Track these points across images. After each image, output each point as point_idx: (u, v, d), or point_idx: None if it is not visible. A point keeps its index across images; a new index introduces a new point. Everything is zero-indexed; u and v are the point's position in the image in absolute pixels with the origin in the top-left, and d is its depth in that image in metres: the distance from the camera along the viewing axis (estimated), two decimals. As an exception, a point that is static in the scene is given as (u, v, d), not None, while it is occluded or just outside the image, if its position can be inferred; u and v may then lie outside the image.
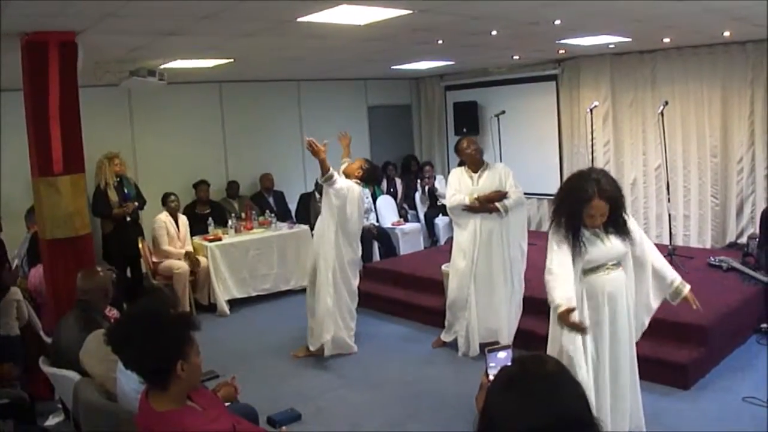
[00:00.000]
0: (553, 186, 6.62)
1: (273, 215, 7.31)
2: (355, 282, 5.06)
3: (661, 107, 6.07)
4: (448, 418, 3.91)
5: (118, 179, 6.47)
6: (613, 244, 3.04)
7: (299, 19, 4.10)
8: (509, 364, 1.39)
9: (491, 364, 1.79)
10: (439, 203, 8.03)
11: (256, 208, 7.57)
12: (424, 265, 6.45)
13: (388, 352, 5.14)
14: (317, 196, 7.26)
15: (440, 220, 8.04)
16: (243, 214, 7.21)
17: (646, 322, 3.27)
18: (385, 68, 7.92)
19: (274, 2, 3.66)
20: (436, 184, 8.36)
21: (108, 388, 2.83)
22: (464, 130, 8.65)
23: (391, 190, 8.86)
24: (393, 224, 8.17)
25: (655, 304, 3.23)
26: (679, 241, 6.99)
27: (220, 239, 6.64)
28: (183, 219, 6.68)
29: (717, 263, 5.69)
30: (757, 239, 5.66)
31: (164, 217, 6.51)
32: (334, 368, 4.84)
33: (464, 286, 4.85)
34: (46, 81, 3.92)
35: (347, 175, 4.97)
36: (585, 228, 2.99)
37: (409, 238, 8.06)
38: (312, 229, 5.29)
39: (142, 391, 2.18)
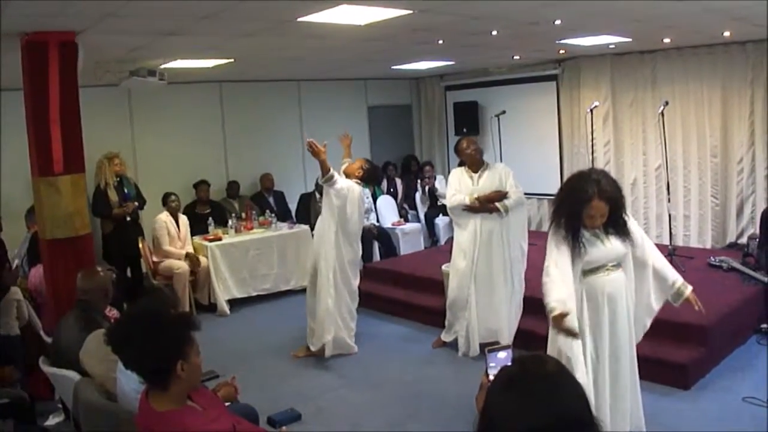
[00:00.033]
0: (553, 186, 6.63)
1: (273, 215, 7.31)
2: (356, 282, 5.06)
3: (662, 107, 6.07)
4: (448, 418, 3.91)
5: (118, 179, 6.47)
6: (613, 245, 3.03)
7: (299, 19, 4.10)
8: (509, 364, 1.39)
9: (491, 364, 1.79)
10: (439, 203, 8.03)
11: (257, 208, 7.57)
12: (425, 265, 6.45)
13: (388, 352, 5.14)
14: (317, 196, 7.26)
15: (440, 220, 8.04)
16: (243, 214, 7.21)
17: (648, 324, 3.26)
18: (385, 68, 7.92)
19: (274, 2, 3.66)
20: (437, 184, 8.36)
21: (108, 388, 2.83)
22: (464, 130, 8.65)
23: (392, 190, 8.86)
24: (393, 224, 8.18)
25: (656, 305, 3.22)
26: (680, 242, 6.99)
27: (220, 239, 6.64)
28: (183, 219, 6.68)
29: (717, 263, 5.69)
30: (757, 239, 5.66)
31: (165, 217, 6.51)
32: (334, 368, 4.84)
33: (464, 286, 4.85)
34: (46, 81, 3.92)
35: (347, 175, 4.97)
36: (585, 229, 2.99)
37: (410, 238, 8.06)
38: (312, 229, 5.29)
39: (142, 391, 2.18)
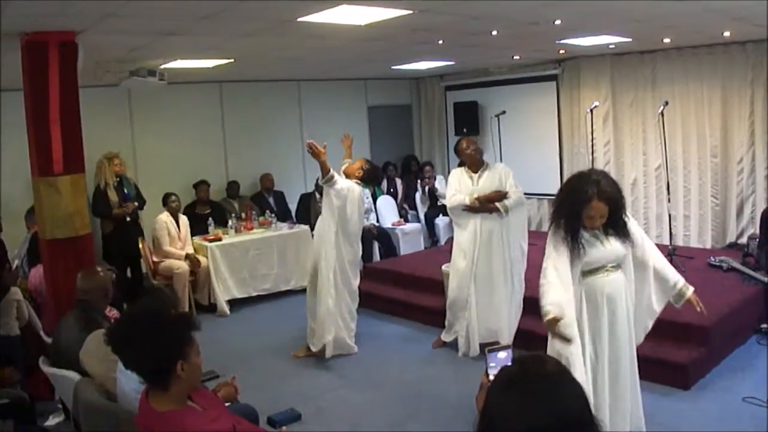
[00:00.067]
0: (553, 186, 6.63)
1: (273, 215, 7.31)
2: (356, 282, 5.06)
3: (662, 107, 6.07)
4: (448, 418, 3.91)
5: (118, 179, 6.47)
6: (612, 246, 3.02)
7: (299, 19, 4.10)
8: (509, 364, 1.39)
9: (491, 364, 1.78)
10: (439, 203, 8.03)
11: (257, 208, 7.57)
12: (425, 265, 6.45)
13: (389, 352, 5.14)
14: (317, 196, 7.26)
15: (440, 220, 8.04)
16: (243, 214, 7.21)
17: (650, 325, 3.25)
18: (385, 68, 7.92)
19: (274, 2, 3.66)
20: (437, 185, 8.37)
21: (108, 388, 2.83)
22: (464, 130, 8.64)
23: (392, 190, 8.86)
24: (393, 224, 8.18)
25: (658, 306, 3.21)
26: (680, 242, 6.99)
27: (220, 239, 6.64)
28: (184, 219, 6.68)
29: (717, 263, 5.69)
30: (757, 239, 5.66)
31: (165, 217, 6.51)
32: (334, 368, 4.84)
33: (464, 286, 4.85)
34: (46, 81, 3.92)
35: (347, 176, 4.98)
36: (584, 229, 2.98)
37: (410, 238, 8.06)
38: (312, 229, 5.30)
39: (142, 391, 2.18)
